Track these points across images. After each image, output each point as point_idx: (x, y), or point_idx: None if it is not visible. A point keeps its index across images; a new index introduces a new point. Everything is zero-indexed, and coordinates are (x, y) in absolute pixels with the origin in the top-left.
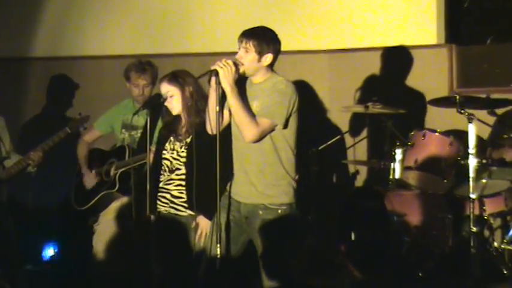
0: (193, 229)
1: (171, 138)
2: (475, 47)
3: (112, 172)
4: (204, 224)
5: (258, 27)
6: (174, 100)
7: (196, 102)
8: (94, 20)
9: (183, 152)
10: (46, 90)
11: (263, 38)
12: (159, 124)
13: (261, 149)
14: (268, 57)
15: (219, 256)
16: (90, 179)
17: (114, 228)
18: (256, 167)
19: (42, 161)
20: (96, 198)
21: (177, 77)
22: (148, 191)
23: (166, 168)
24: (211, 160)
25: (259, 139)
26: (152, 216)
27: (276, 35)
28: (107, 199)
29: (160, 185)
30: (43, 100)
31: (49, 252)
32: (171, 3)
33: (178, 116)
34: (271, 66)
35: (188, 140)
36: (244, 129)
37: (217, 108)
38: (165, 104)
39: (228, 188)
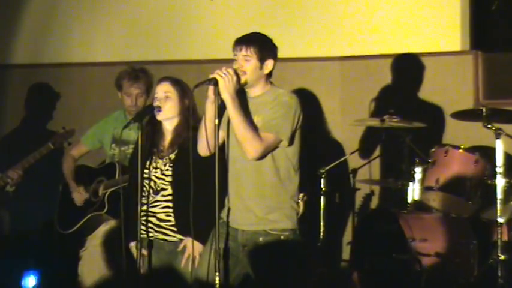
0: (180, 252)
1: (153, 155)
2: (503, 54)
3: (100, 192)
4: (189, 245)
5: (253, 33)
6: (169, 103)
7: (188, 119)
8: (81, 24)
9: (167, 170)
10: (24, 101)
11: (263, 43)
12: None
13: (260, 169)
14: (269, 64)
15: (217, 286)
16: (79, 195)
17: (101, 254)
18: (255, 190)
19: (21, 179)
20: (82, 221)
21: (181, 84)
22: (139, 213)
23: (150, 190)
24: (201, 179)
25: (263, 156)
26: (144, 251)
27: (272, 40)
28: (94, 222)
29: (144, 208)
30: (23, 111)
31: (29, 281)
32: (166, 7)
33: (160, 127)
34: (270, 76)
35: (172, 156)
36: (247, 145)
37: (216, 121)
38: (156, 107)
39: (223, 215)
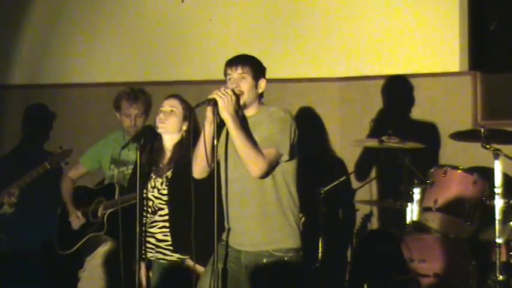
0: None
1: (152, 174)
2: (501, 75)
3: (100, 212)
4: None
5: (242, 54)
6: (173, 118)
7: (188, 138)
8: (80, 44)
9: (164, 189)
10: (21, 122)
11: (255, 62)
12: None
13: (261, 188)
14: (262, 83)
15: None
16: (76, 220)
17: (101, 275)
18: (257, 210)
19: (18, 200)
20: (81, 242)
21: (188, 104)
22: (138, 234)
23: (149, 209)
24: (197, 200)
25: (268, 173)
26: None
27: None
28: (93, 242)
29: (144, 228)
30: (21, 132)
31: None
32: (164, 28)
33: (160, 145)
34: (262, 96)
35: (168, 174)
36: (251, 164)
37: (216, 141)
38: (160, 120)
39: (223, 237)
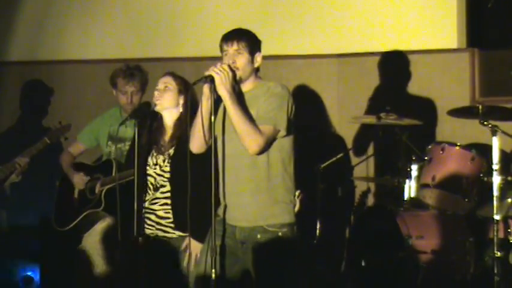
0: (183, 251)
1: (153, 151)
2: (499, 52)
3: (97, 189)
4: (193, 246)
5: (239, 28)
6: (167, 94)
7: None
8: (75, 21)
9: (166, 166)
10: (19, 99)
11: (251, 36)
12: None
13: (255, 164)
14: (258, 57)
15: (213, 282)
16: (80, 179)
17: (99, 251)
18: (251, 186)
19: (27, 168)
20: (79, 218)
21: (184, 81)
22: (136, 210)
23: (151, 186)
24: (196, 177)
25: (265, 149)
26: (140, 239)
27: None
28: (91, 219)
29: (145, 204)
30: (19, 109)
31: (27, 278)
32: (161, 5)
33: (160, 124)
34: (258, 70)
35: (171, 151)
36: (249, 140)
37: (213, 118)
38: (155, 98)
39: (219, 212)
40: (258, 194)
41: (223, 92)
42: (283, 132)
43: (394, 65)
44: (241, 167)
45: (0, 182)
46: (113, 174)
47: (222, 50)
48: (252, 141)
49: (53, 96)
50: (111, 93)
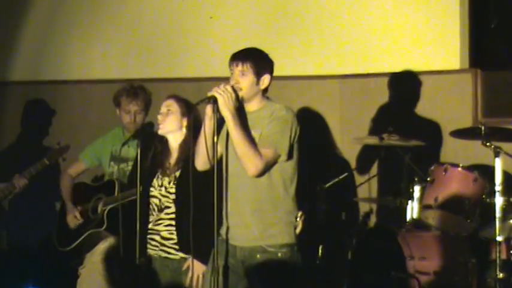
0: (184, 272)
1: (158, 173)
2: (502, 73)
3: (100, 209)
4: (196, 267)
5: (249, 48)
6: (170, 117)
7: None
8: (79, 41)
9: (172, 187)
10: (21, 117)
11: (259, 58)
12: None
13: (257, 185)
14: (265, 79)
15: None
16: (73, 219)
17: (101, 271)
18: (252, 206)
19: (25, 189)
20: (81, 238)
21: (187, 103)
22: (138, 231)
23: (155, 207)
24: (201, 197)
25: (264, 172)
26: (142, 259)
27: (268, 55)
28: (93, 239)
29: (150, 225)
30: (19, 127)
31: None
32: (164, 25)
33: (166, 147)
34: (266, 91)
35: (177, 174)
36: (248, 162)
37: (215, 138)
38: (158, 122)
39: (222, 233)
40: (258, 214)
41: (226, 112)
42: (283, 157)
43: (397, 86)
44: (242, 187)
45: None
46: (116, 194)
47: (230, 69)
48: (251, 164)
49: (55, 116)
50: (114, 113)
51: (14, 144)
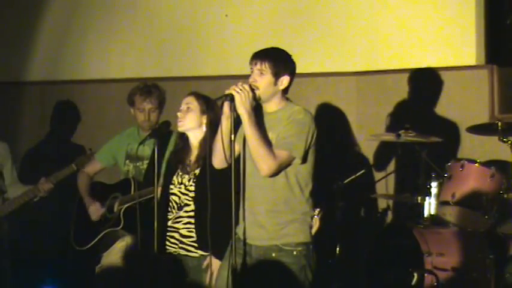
0: (204, 270)
1: (178, 170)
2: None
3: (116, 208)
4: (215, 265)
5: (271, 48)
6: (190, 114)
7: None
8: (96, 41)
9: (191, 185)
10: (50, 117)
11: (279, 58)
12: (168, 154)
13: (273, 186)
14: (284, 80)
15: None
16: (95, 210)
17: (118, 270)
18: (267, 206)
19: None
20: (98, 237)
21: (208, 100)
22: (155, 228)
23: (175, 205)
24: (219, 195)
25: (276, 173)
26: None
27: (291, 56)
28: (110, 238)
29: (169, 223)
30: (39, 126)
31: None
32: (181, 23)
33: (187, 144)
34: (286, 92)
35: (197, 171)
36: (261, 162)
37: (232, 136)
38: (178, 119)
39: (238, 231)
40: (273, 215)
41: (242, 111)
42: (298, 160)
43: (414, 82)
44: (257, 187)
45: (24, 205)
46: (132, 192)
47: (250, 68)
48: (264, 164)
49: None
50: (130, 112)
51: (43, 142)
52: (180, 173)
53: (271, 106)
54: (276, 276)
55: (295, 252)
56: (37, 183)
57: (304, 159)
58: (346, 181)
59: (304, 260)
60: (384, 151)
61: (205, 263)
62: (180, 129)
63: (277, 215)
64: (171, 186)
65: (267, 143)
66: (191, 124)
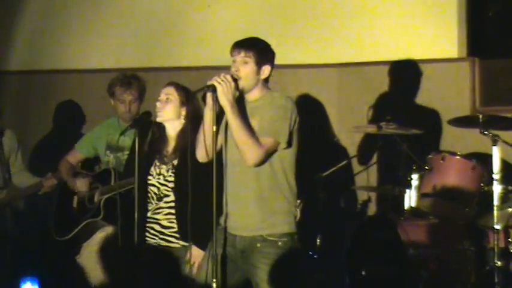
0: (187, 261)
1: (156, 161)
2: (500, 61)
3: (96, 198)
4: (196, 254)
5: (252, 37)
6: (169, 105)
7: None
8: (75, 31)
9: (170, 176)
10: (53, 114)
11: (261, 48)
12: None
13: (258, 174)
14: (266, 70)
15: None
16: (83, 182)
17: (97, 261)
18: (253, 195)
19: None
20: (78, 228)
21: (187, 91)
22: (136, 219)
23: (154, 196)
24: (200, 185)
25: (263, 161)
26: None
27: (270, 46)
28: (90, 228)
29: (148, 214)
30: (18, 116)
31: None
32: (162, 13)
33: (163, 134)
34: (267, 81)
35: (175, 162)
36: (247, 152)
37: (214, 128)
38: (157, 109)
39: (221, 221)
40: (258, 204)
41: (225, 101)
42: (283, 144)
43: (395, 74)
44: (243, 176)
45: (27, 198)
46: (112, 183)
47: (232, 56)
48: (250, 153)
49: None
50: (111, 103)
51: (48, 136)
52: (158, 163)
53: (252, 94)
54: (262, 266)
55: (280, 243)
56: (43, 177)
57: (289, 143)
58: (326, 173)
59: (289, 250)
60: (367, 144)
61: (188, 254)
62: (159, 119)
63: (263, 203)
64: (149, 177)
65: (252, 132)
66: (170, 115)
